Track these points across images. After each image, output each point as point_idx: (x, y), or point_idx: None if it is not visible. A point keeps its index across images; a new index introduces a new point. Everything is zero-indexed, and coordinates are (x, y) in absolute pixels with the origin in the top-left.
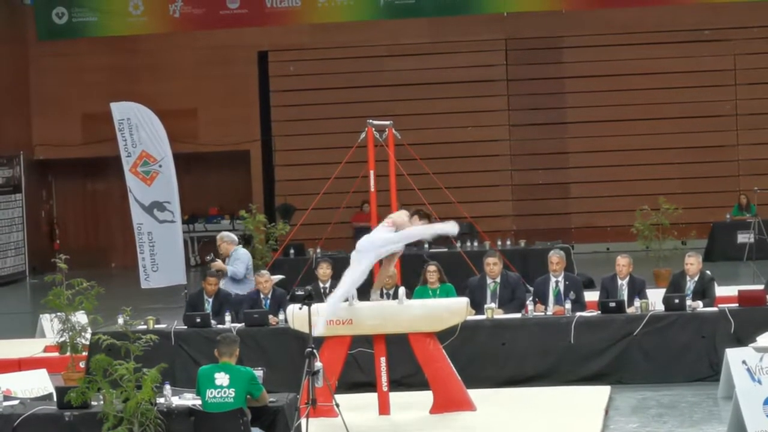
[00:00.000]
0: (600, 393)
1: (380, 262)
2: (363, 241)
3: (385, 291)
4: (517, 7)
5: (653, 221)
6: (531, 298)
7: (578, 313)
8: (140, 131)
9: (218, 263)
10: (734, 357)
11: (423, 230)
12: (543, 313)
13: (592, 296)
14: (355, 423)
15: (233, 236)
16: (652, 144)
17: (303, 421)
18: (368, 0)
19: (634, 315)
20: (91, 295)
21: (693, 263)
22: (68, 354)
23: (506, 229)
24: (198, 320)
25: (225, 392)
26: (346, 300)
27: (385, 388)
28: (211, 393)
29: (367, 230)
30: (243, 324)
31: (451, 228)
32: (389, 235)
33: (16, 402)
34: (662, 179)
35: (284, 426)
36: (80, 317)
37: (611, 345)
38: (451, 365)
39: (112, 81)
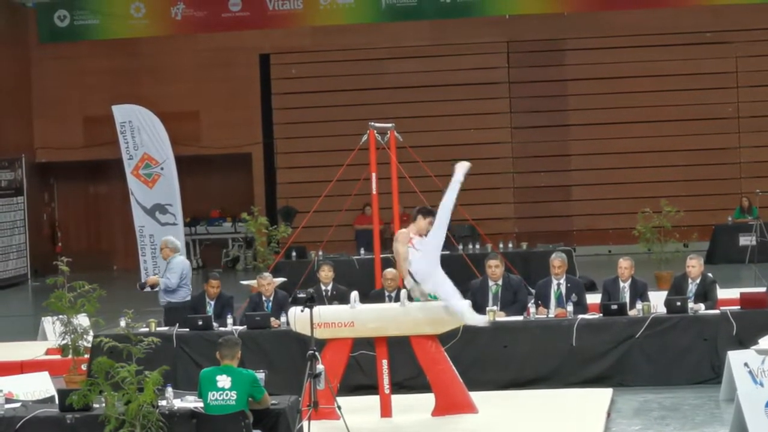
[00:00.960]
0: (602, 395)
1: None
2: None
3: (386, 293)
4: (519, 9)
5: (655, 224)
6: (533, 301)
7: (580, 316)
8: (142, 134)
9: (152, 279)
10: (736, 359)
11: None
12: (545, 316)
13: (593, 299)
14: (356, 425)
15: (177, 243)
16: (653, 146)
17: (305, 423)
18: (370, 2)
19: (635, 317)
20: (93, 298)
21: (694, 266)
22: (70, 356)
23: (508, 231)
24: (200, 323)
25: (227, 395)
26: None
27: (386, 391)
28: (213, 395)
29: (369, 233)
30: (245, 326)
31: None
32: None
33: (17, 405)
34: (664, 182)
35: (286, 428)
36: (82, 320)
37: (613, 347)
38: (453, 368)
39: (114, 84)
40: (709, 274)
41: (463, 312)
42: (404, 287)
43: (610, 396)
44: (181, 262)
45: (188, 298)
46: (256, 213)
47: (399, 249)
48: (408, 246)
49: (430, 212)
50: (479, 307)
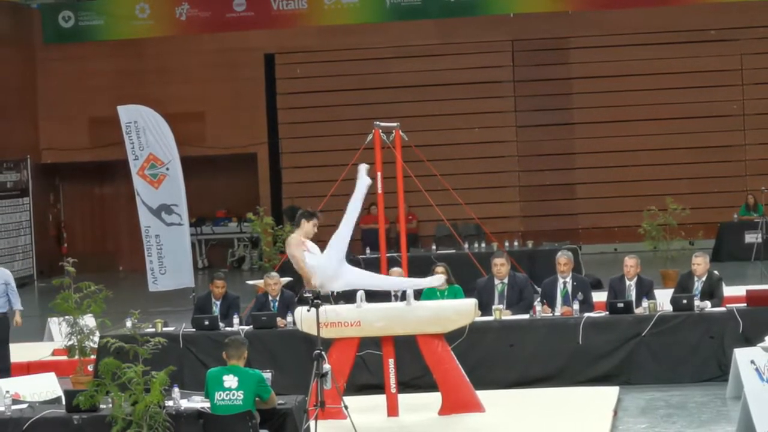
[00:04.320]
0: (608, 394)
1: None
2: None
3: (393, 293)
4: (524, 8)
5: (661, 222)
6: (539, 299)
7: (586, 314)
8: (147, 134)
9: (18, 319)
10: (742, 357)
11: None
12: (551, 314)
13: (600, 297)
14: (363, 425)
15: None
16: (659, 144)
17: (311, 423)
18: (374, 2)
19: (642, 316)
20: (99, 299)
21: (700, 263)
22: (76, 357)
23: (513, 230)
24: (206, 323)
25: (233, 395)
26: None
27: (393, 390)
28: (220, 395)
29: (375, 232)
30: (251, 326)
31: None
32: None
33: (24, 405)
34: (669, 179)
35: (293, 428)
36: (88, 320)
37: (619, 346)
38: (460, 367)
39: (119, 84)
40: (715, 272)
41: (418, 283)
42: (313, 289)
43: (617, 394)
44: (8, 273)
45: (6, 309)
46: (261, 213)
47: (294, 253)
48: (303, 250)
49: (312, 214)
50: (485, 306)
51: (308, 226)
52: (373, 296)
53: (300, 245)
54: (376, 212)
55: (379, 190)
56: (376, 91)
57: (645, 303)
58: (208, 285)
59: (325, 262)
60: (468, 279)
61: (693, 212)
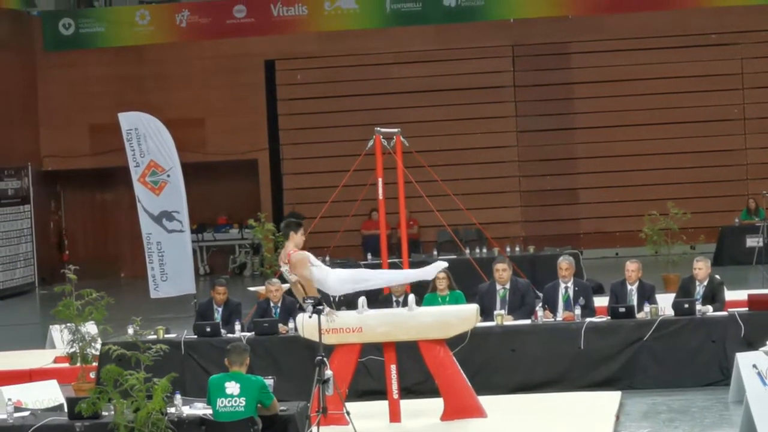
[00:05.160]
0: (610, 398)
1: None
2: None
3: (394, 298)
4: (524, 13)
5: (662, 226)
6: (540, 304)
7: (588, 319)
8: (148, 141)
9: None
10: (744, 361)
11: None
12: (552, 320)
13: (601, 302)
14: (365, 431)
15: None
16: (660, 149)
17: (314, 429)
18: (375, 7)
19: (643, 320)
20: (101, 306)
21: (701, 268)
22: (78, 365)
23: (515, 235)
24: (208, 329)
25: (235, 401)
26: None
27: (395, 396)
28: (222, 402)
29: (376, 238)
30: (253, 333)
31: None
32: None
33: (26, 413)
34: (671, 184)
35: None
36: (90, 328)
37: (621, 350)
38: (462, 372)
39: (120, 91)
40: (717, 276)
41: (415, 274)
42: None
43: (619, 399)
44: None
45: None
46: (262, 219)
47: (303, 274)
48: (310, 266)
49: (299, 224)
50: (487, 311)
51: (298, 237)
52: (374, 302)
53: (305, 263)
54: (377, 218)
55: (380, 196)
56: (376, 97)
57: (647, 307)
58: (209, 291)
59: (328, 282)
60: (469, 284)
61: (694, 216)
